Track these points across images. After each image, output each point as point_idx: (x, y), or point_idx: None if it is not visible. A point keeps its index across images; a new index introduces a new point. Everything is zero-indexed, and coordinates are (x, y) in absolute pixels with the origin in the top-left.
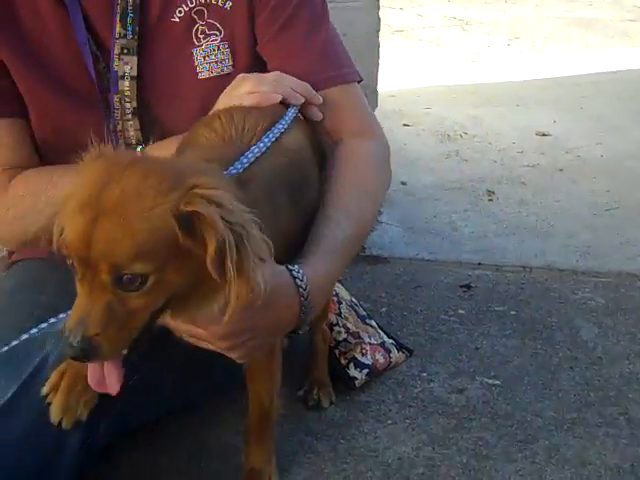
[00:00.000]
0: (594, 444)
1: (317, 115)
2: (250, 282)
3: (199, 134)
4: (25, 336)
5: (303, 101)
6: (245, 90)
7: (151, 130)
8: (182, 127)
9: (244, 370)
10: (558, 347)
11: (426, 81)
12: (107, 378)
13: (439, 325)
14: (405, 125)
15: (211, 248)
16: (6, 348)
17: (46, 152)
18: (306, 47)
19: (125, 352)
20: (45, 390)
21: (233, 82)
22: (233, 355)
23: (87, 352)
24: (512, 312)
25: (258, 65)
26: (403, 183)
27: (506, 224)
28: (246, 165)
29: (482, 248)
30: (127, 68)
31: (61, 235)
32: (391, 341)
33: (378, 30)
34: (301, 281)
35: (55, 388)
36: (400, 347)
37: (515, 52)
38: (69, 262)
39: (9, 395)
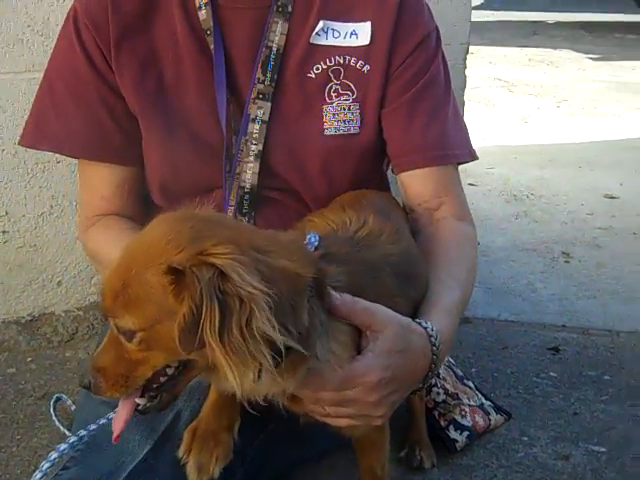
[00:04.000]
0: None
1: None
2: (232, 353)
3: None
4: None
5: None
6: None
7: (265, 177)
8: (295, 181)
9: (353, 442)
10: None
11: (483, 141)
12: (115, 419)
13: (532, 388)
14: (471, 185)
15: (182, 310)
16: None
17: (164, 193)
18: (427, 124)
19: (142, 401)
20: (181, 453)
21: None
22: (377, 413)
23: (88, 384)
24: (606, 377)
25: (380, 129)
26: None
27: (586, 287)
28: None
29: (565, 310)
30: (260, 112)
31: None
32: (489, 403)
33: (463, 88)
34: (432, 330)
35: (189, 448)
36: (498, 410)
37: (566, 114)
38: None
39: (145, 452)
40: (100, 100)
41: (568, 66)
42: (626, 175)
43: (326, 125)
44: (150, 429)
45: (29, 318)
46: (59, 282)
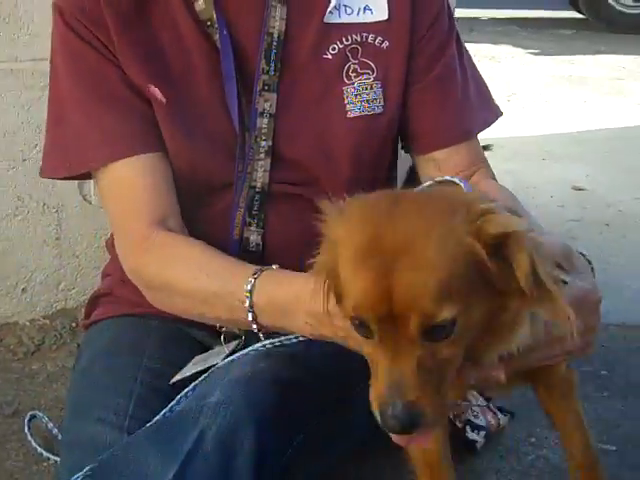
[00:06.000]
0: None
1: None
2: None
3: None
4: (171, 410)
5: None
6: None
7: (280, 171)
8: (319, 168)
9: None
10: None
11: None
12: None
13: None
14: None
15: (523, 267)
16: (156, 420)
17: (178, 192)
18: (460, 98)
19: None
20: None
21: None
22: (592, 338)
23: (413, 421)
24: (603, 372)
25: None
26: None
27: None
28: None
29: None
30: (267, 105)
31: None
32: (490, 404)
33: None
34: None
35: None
36: (500, 409)
37: (517, 107)
38: (355, 323)
39: (170, 477)
40: (121, 81)
41: (510, 61)
42: (590, 166)
43: (348, 107)
44: (172, 450)
45: None
46: (24, 289)
